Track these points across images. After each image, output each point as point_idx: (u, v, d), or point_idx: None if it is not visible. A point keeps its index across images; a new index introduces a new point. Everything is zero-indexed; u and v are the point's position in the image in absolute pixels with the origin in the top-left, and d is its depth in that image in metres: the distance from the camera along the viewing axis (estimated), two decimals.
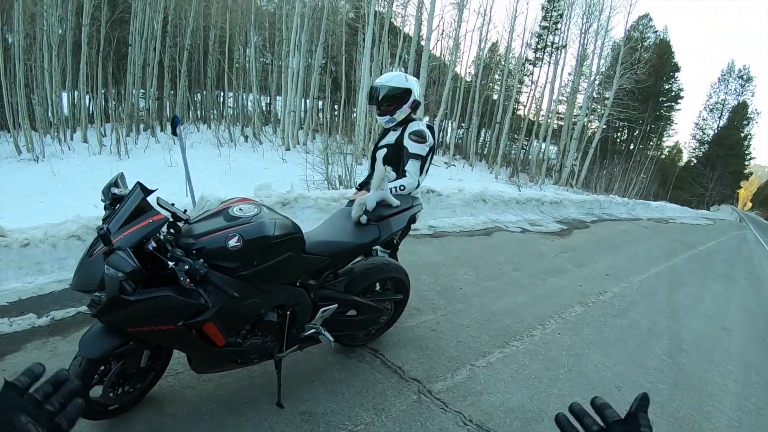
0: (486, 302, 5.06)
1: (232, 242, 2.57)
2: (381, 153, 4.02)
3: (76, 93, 21.25)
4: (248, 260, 2.66)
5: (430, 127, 3.94)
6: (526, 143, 27.91)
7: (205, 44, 23.56)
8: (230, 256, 2.59)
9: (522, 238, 7.59)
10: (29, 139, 17.90)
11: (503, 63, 27.16)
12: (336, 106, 21.35)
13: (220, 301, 2.57)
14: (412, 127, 3.84)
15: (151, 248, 2.45)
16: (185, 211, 2.85)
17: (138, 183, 2.70)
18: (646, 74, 27.11)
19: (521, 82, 28.41)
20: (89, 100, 22.41)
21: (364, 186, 4.38)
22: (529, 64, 30.73)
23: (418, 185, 3.83)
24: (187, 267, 2.34)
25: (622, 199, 11.92)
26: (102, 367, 2.78)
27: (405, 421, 3.22)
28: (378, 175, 3.36)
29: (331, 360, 3.76)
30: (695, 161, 52.61)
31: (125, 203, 2.58)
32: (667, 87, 42.83)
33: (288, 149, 17.33)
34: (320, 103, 21.39)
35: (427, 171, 3.98)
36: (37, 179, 14.75)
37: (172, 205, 2.78)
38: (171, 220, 2.71)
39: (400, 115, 3.89)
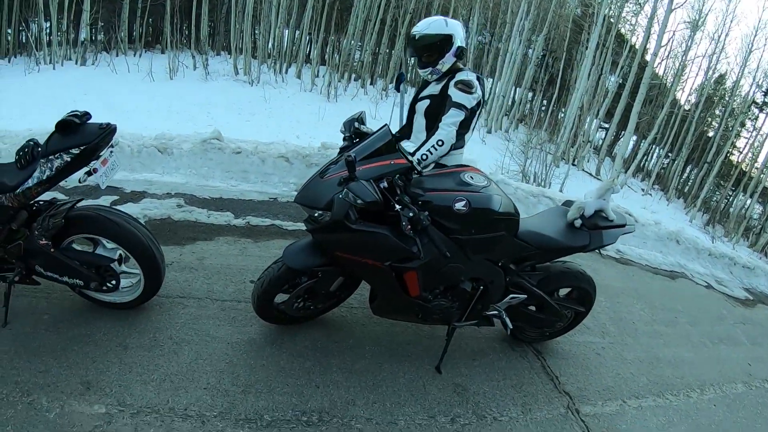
0: (654, 345, 4.79)
1: (459, 205, 2.67)
2: (422, 105, 3.66)
3: (296, 32, 22.48)
4: (468, 226, 2.76)
5: (479, 78, 3.54)
6: (730, 193, 25.41)
7: (427, 10, 23.90)
8: (453, 218, 2.70)
9: (705, 293, 7.01)
10: (248, 63, 19.26)
11: (727, 99, 24.83)
12: (545, 102, 20.81)
13: (429, 255, 2.70)
14: (459, 76, 3.44)
15: (383, 187, 2.61)
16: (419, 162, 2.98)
17: (386, 125, 2.87)
18: None
19: (742, 124, 25.65)
20: (309, 42, 23.72)
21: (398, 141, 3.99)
22: (755, 107, 27.70)
23: (463, 144, 3.57)
24: (411, 214, 2.48)
25: None
26: (296, 279, 3.02)
27: (547, 430, 3.20)
28: (604, 185, 3.31)
29: (496, 346, 3.80)
30: None
31: (371, 139, 2.78)
32: None
33: (489, 132, 17.33)
34: (530, 94, 20.99)
35: (473, 128, 3.62)
36: (248, 100, 15.95)
37: (411, 154, 2.93)
38: (410, 165, 2.84)
39: (445, 65, 3.48)
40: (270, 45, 21.82)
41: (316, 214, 2.70)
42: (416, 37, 3.46)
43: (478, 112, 3.55)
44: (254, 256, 4.28)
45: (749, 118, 27.45)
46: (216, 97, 15.94)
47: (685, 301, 6.27)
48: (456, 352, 3.53)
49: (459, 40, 3.45)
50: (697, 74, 23.56)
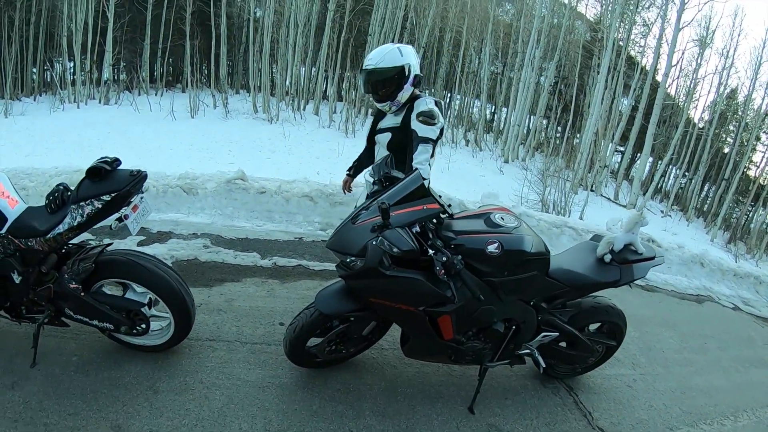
0: (685, 374, 4.73)
1: (492, 248, 2.71)
2: (384, 138, 3.56)
3: (313, 69, 22.95)
4: (501, 268, 2.79)
5: (438, 103, 3.45)
6: (750, 209, 25.07)
7: (439, 44, 24.18)
8: (486, 260, 2.74)
9: (733, 316, 6.91)
10: (266, 101, 19.62)
11: (740, 114, 24.64)
12: (560, 128, 20.86)
13: (463, 299, 2.73)
14: (419, 106, 3.33)
15: (415, 232, 2.65)
16: (449, 205, 3.01)
17: (417, 168, 2.94)
18: None
19: (758, 138, 25.32)
20: (325, 78, 24.10)
21: (357, 171, 4.10)
22: None
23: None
24: (444, 259, 2.52)
25: None
26: (329, 324, 3.05)
27: None
28: (632, 218, 3.31)
29: (528, 384, 3.79)
30: None
31: (403, 184, 2.82)
32: None
33: (506, 161, 17.38)
34: (545, 122, 21.05)
35: (433, 155, 3.46)
36: (268, 137, 16.11)
37: (440, 197, 2.96)
38: (443, 210, 2.88)
39: (403, 96, 3.37)
40: (288, 82, 22.24)
41: (348, 260, 2.74)
42: (370, 71, 3.35)
43: (439, 140, 3.47)
44: (282, 298, 4.31)
45: (764, 132, 27.14)
46: (236, 134, 16.18)
47: (713, 325, 6.21)
48: (488, 392, 3.53)
49: (415, 68, 3.36)
50: (709, 91, 23.46)
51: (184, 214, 5.58)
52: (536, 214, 6.98)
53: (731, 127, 26.08)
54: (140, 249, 4.37)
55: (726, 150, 25.14)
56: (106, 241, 3.34)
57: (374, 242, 2.52)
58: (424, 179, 2.99)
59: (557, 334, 3.31)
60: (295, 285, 4.58)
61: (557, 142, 19.38)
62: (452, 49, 23.63)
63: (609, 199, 16.22)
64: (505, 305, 2.97)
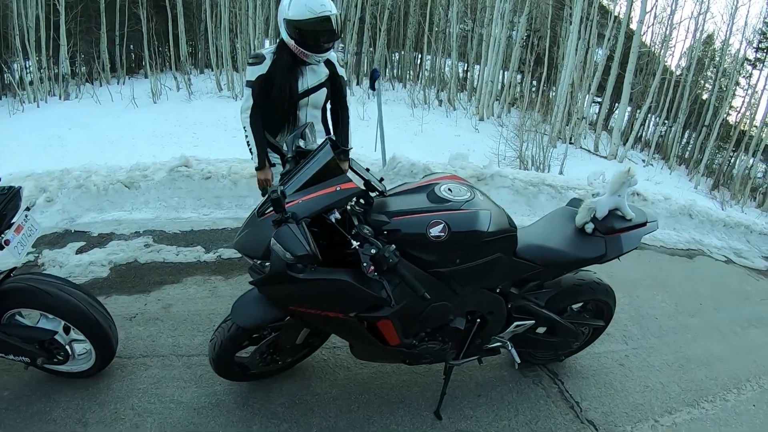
0: (681, 343, 4.34)
1: (435, 231, 2.14)
2: (318, 97, 3.29)
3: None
4: (450, 256, 2.22)
5: None
6: (732, 155, 24.85)
7: (406, 5, 23.52)
8: (429, 247, 2.17)
9: (726, 270, 6.55)
10: (230, 78, 19.07)
11: (718, 59, 24.20)
12: (535, 82, 20.34)
13: (405, 299, 2.16)
14: (332, 54, 3.26)
15: (333, 220, 2.07)
16: (381, 180, 2.42)
17: (329, 138, 2.31)
18: None
19: (737, 83, 25.02)
20: None
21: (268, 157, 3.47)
22: (749, 64, 27.05)
23: None
24: (374, 251, 1.93)
25: None
26: (255, 335, 2.60)
27: None
28: (618, 178, 2.69)
29: (505, 375, 3.32)
30: None
31: (310, 161, 2.22)
32: None
33: (482, 119, 16.78)
34: (519, 77, 20.49)
35: None
36: (233, 115, 15.46)
37: (367, 170, 2.38)
38: (364, 189, 2.30)
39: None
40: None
41: (257, 263, 2.19)
42: (332, 16, 3.06)
43: None
44: (225, 297, 3.83)
45: (743, 77, 26.90)
46: (201, 115, 15.71)
47: (706, 282, 5.84)
48: (457, 390, 3.07)
49: None
50: (685, 37, 23.07)
51: (127, 211, 5.08)
52: (510, 173, 6.44)
53: (709, 73, 25.77)
54: (47, 271, 3.94)
55: (705, 96, 24.88)
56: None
57: (273, 246, 1.94)
58: (346, 149, 2.73)
59: (533, 321, 2.79)
60: (240, 279, 4.09)
61: (532, 96, 18.82)
62: (419, 8, 22.91)
63: (589, 151, 15.80)
64: (463, 298, 2.42)
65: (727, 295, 5.69)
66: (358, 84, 20.66)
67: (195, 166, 5.48)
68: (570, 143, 14.66)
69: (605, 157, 15.44)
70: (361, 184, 2.28)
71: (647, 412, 3.36)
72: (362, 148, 6.69)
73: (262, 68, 3.11)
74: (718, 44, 24.64)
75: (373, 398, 2.95)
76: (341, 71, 3.35)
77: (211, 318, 3.53)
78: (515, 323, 2.73)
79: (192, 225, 4.88)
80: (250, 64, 3.18)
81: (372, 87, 5.64)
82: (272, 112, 3.27)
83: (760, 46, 26.43)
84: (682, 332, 4.52)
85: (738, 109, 27.28)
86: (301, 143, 2.41)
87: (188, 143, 11.86)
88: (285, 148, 2.41)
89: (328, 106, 3.50)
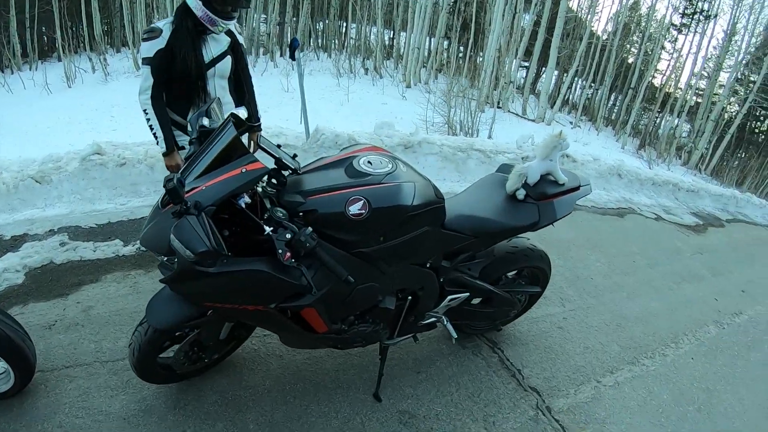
0: (618, 301, 4.37)
1: (355, 208, 1.96)
2: (224, 66, 3.08)
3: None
4: (373, 234, 2.05)
5: None
6: (657, 116, 25.70)
7: None
8: (350, 227, 1.99)
9: (656, 227, 6.71)
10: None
11: (644, 24, 24.76)
12: (462, 48, 20.26)
13: (328, 284, 2.00)
14: (231, 22, 3.04)
15: (242, 205, 1.88)
16: (294, 156, 2.20)
17: (232, 115, 2.06)
18: None
19: (662, 48, 25.77)
20: None
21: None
22: (674, 29, 27.90)
23: None
24: (289, 236, 1.76)
25: (760, 201, 10.51)
26: (176, 334, 2.39)
27: None
28: (549, 141, 2.56)
29: (444, 348, 3.22)
30: None
31: (213, 142, 1.97)
32: None
33: (409, 86, 16.47)
34: (446, 43, 20.35)
35: None
36: None
37: (278, 147, 2.15)
38: (275, 168, 2.10)
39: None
40: None
41: (165, 260, 1.97)
42: None
43: None
44: (147, 292, 3.47)
45: (669, 41, 27.74)
46: (118, 97, 14.58)
47: (638, 240, 5.95)
48: (396, 368, 2.94)
49: None
50: (612, 2, 23.53)
51: (41, 208, 4.65)
52: (438, 139, 6.31)
53: (635, 38, 26.39)
54: None
55: (631, 60, 25.51)
56: None
57: (172, 242, 1.73)
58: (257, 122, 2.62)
59: (467, 293, 2.67)
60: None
61: (459, 62, 18.74)
62: None
63: (517, 114, 15.82)
64: (391, 277, 2.27)
65: (659, 251, 5.80)
66: (281, 55, 20.04)
67: (109, 153, 5.11)
68: (498, 107, 14.60)
69: (533, 120, 15.52)
70: (271, 163, 2.08)
71: (589, 374, 3.34)
72: (287, 121, 6.46)
73: (160, 42, 2.81)
74: (644, 10, 25.20)
75: (309, 386, 2.78)
76: (241, 39, 3.20)
77: (133, 317, 3.25)
78: (449, 297, 2.61)
79: (109, 217, 4.53)
80: (145, 40, 2.86)
81: (292, 57, 5.38)
82: (177, 88, 2.99)
83: (686, 12, 27.29)
84: (618, 291, 4.56)
85: (663, 72, 28.22)
86: (206, 122, 2.10)
87: (106, 128, 11.15)
88: (190, 129, 2.16)
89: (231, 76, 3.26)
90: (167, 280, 1.93)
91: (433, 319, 2.69)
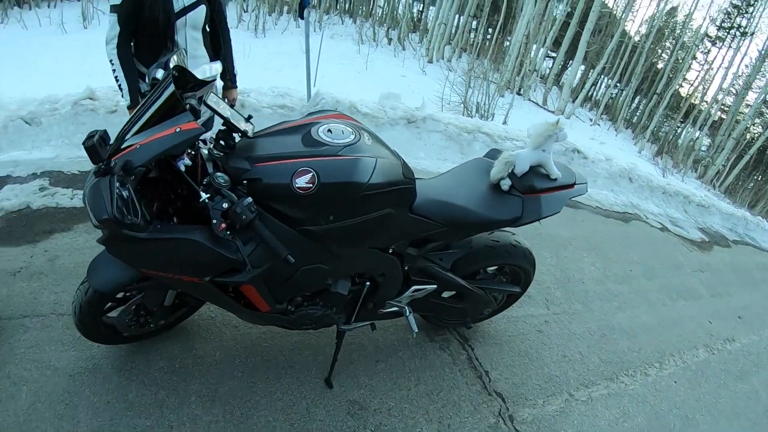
0: (607, 311, 4.16)
1: (302, 181, 1.74)
2: (197, 15, 2.86)
3: None
4: (320, 212, 1.83)
5: None
6: (679, 125, 25.27)
7: None
8: (295, 201, 1.78)
9: (660, 237, 6.46)
10: None
11: (678, 32, 24.21)
12: (490, 30, 19.81)
13: (267, 262, 1.80)
14: None
15: (181, 167, 1.69)
16: (249, 118, 1.98)
17: (175, 67, 1.82)
18: None
19: (694, 57, 25.22)
20: None
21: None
22: (709, 41, 27.31)
23: None
24: (226, 205, 1.59)
25: None
26: (120, 295, 2.23)
27: None
28: (542, 129, 2.27)
29: (409, 339, 3.03)
30: None
31: (150, 98, 1.75)
32: None
33: (431, 61, 16.05)
34: (474, 22, 19.88)
35: None
36: None
37: (231, 106, 1.92)
38: (224, 129, 1.89)
39: None
40: None
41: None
42: None
43: None
44: None
45: (701, 52, 27.18)
46: None
47: (639, 248, 5.71)
48: (354, 354, 2.77)
49: None
50: (649, 4, 23.02)
51: (27, 150, 4.54)
52: (444, 117, 6.04)
53: (668, 44, 25.85)
54: None
55: (660, 65, 25.02)
56: None
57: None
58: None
59: (435, 285, 2.45)
60: None
61: (486, 44, 18.32)
62: None
63: (537, 103, 15.42)
64: (345, 260, 2.06)
65: (659, 263, 5.57)
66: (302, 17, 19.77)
67: (102, 99, 4.95)
68: (518, 94, 14.31)
69: (552, 112, 15.13)
70: (206, 126, 1.87)
71: (562, 385, 3.15)
72: (300, 83, 6.21)
73: None
74: (681, 17, 24.64)
75: (260, 362, 2.61)
76: None
77: None
78: (414, 287, 2.40)
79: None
80: None
81: (300, 15, 5.15)
82: (145, 38, 2.78)
83: (722, 25, 26.66)
84: (609, 300, 4.35)
85: (691, 83, 27.69)
86: (159, 74, 1.86)
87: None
88: (146, 81, 1.95)
89: (207, 28, 3.04)
90: (102, 241, 1.73)
91: (395, 309, 2.48)
